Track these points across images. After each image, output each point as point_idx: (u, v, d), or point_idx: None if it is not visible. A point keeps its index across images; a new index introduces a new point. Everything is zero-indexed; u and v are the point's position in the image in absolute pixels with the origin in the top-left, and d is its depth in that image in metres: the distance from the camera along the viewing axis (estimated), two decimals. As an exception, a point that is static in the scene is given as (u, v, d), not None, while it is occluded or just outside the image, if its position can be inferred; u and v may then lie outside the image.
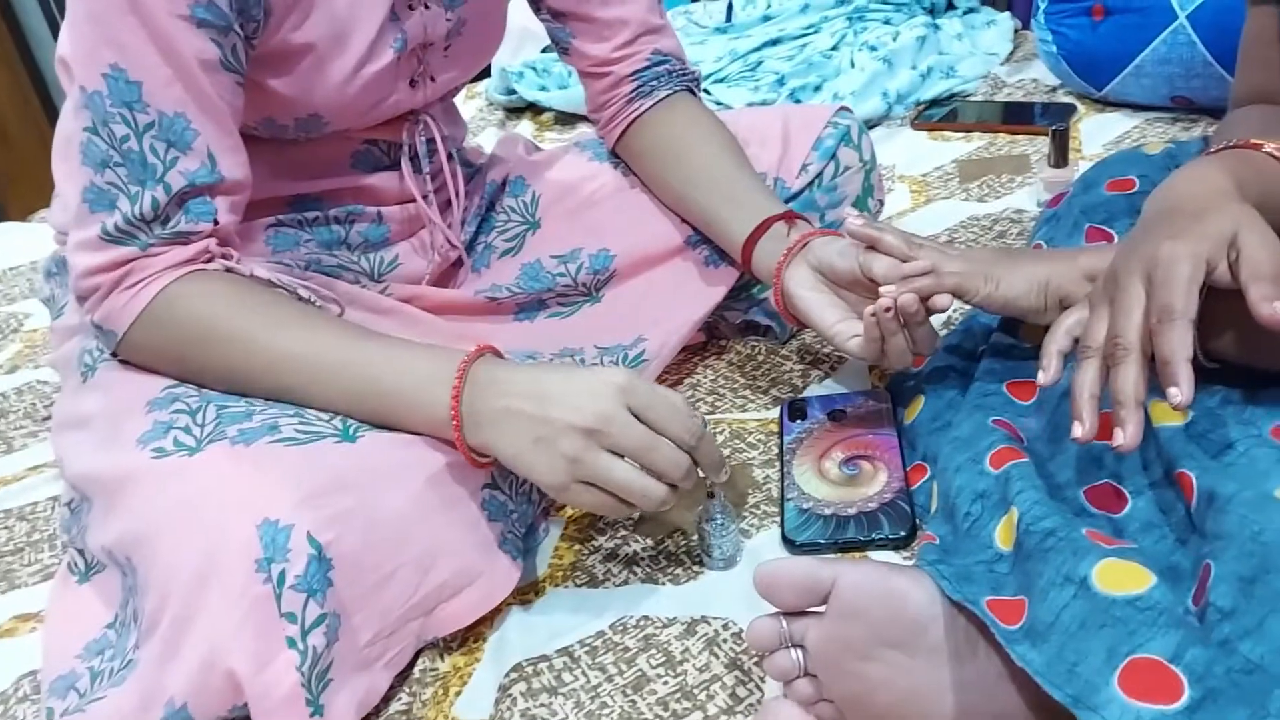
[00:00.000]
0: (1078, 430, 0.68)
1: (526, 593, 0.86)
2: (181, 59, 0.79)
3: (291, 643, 0.69)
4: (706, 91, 1.68)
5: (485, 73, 1.97)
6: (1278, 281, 0.64)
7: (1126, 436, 0.65)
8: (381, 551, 0.74)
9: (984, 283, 0.84)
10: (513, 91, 1.84)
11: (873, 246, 0.88)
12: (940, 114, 1.61)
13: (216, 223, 0.84)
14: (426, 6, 0.94)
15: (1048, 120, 1.52)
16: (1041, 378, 0.74)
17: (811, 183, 1.11)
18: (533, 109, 1.86)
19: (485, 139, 1.80)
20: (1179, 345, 0.64)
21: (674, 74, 1.10)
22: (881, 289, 0.85)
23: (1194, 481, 0.70)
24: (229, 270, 0.85)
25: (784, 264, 0.94)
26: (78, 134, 0.81)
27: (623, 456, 0.75)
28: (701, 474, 0.80)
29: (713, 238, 1.05)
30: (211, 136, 0.82)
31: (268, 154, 0.95)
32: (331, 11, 0.87)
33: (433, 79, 1.00)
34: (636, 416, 0.75)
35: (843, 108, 1.16)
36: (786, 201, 1.08)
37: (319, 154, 1.00)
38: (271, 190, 0.99)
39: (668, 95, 1.10)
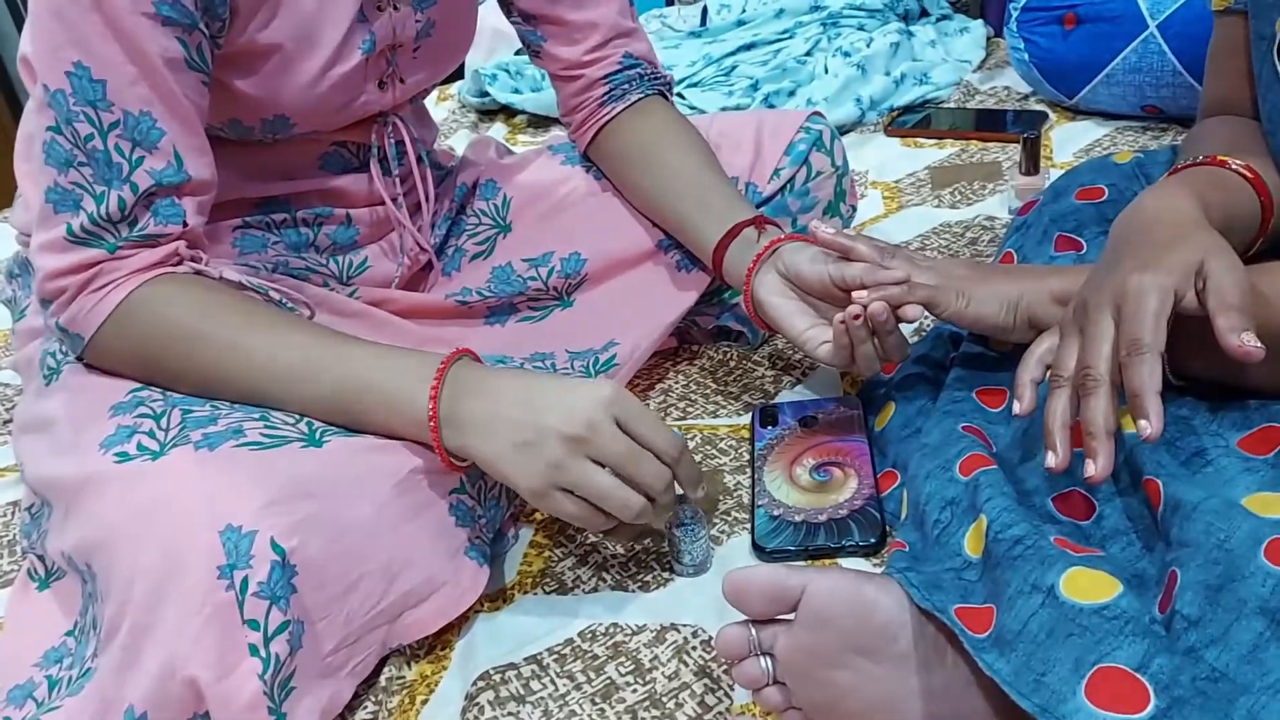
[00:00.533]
0: (1051, 460, 0.69)
1: (495, 600, 0.85)
2: (146, 57, 0.78)
3: (254, 650, 0.68)
4: (680, 96, 1.68)
5: (458, 74, 1.97)
6: (1244, 311, 0.64)
7: (1098, 468, 0.66)
8: (346, 558, 0.74)
9: (955, 298, 0.84)
10: (485, 93, 1.84)
11: (844, 255, 0.88)
12: (913, 120, 1.61)
13: (185, 225, 0.83)
14: (395, 8, 0.93)
15: (1019, 128, 1.52)
16: (1016, 408, 0.75)
17: (784, 187, 1.11)
18: (506, 111, 1.85)
19: (457, 141, 1.79)
20: (1148, 378, 0.64)
21: (646, 78, 1.10)
22: (854, 295, 0.85)
23: (1161, 489, 0.70)
24: (198, 273, 0.84)
25: (753, 270, 0.94)
26: (40, 133, 0.80)
27: (605, 468, 0.75)
28: (679, 490, 0.80)
29: (684, 242, 1.05)
30: (177, 136, 0.81)
31: (235, 155, 0.94)
32: (298, 12, 0.87)
33: (402, 80, 0.99)
34: (622, 429, 0.75)
35: (815, 113, 1.16)
36: (759, 206, 1.08)
37: (286, 156, 0.99)
38: (238, 191, 0.98)
39: (639, 99, 1.09)
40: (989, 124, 1.58)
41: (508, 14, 1.09)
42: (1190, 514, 0.66)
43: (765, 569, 0.69)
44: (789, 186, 1.11)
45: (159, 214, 0.82)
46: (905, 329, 0.89)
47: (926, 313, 0.84)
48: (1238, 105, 0.93)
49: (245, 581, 0.68)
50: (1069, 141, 1.49)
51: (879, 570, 0.82)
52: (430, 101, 1.94)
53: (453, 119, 1.88)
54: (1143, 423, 0.65)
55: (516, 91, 1.80)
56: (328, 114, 0.95)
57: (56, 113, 0.78)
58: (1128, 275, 0.68)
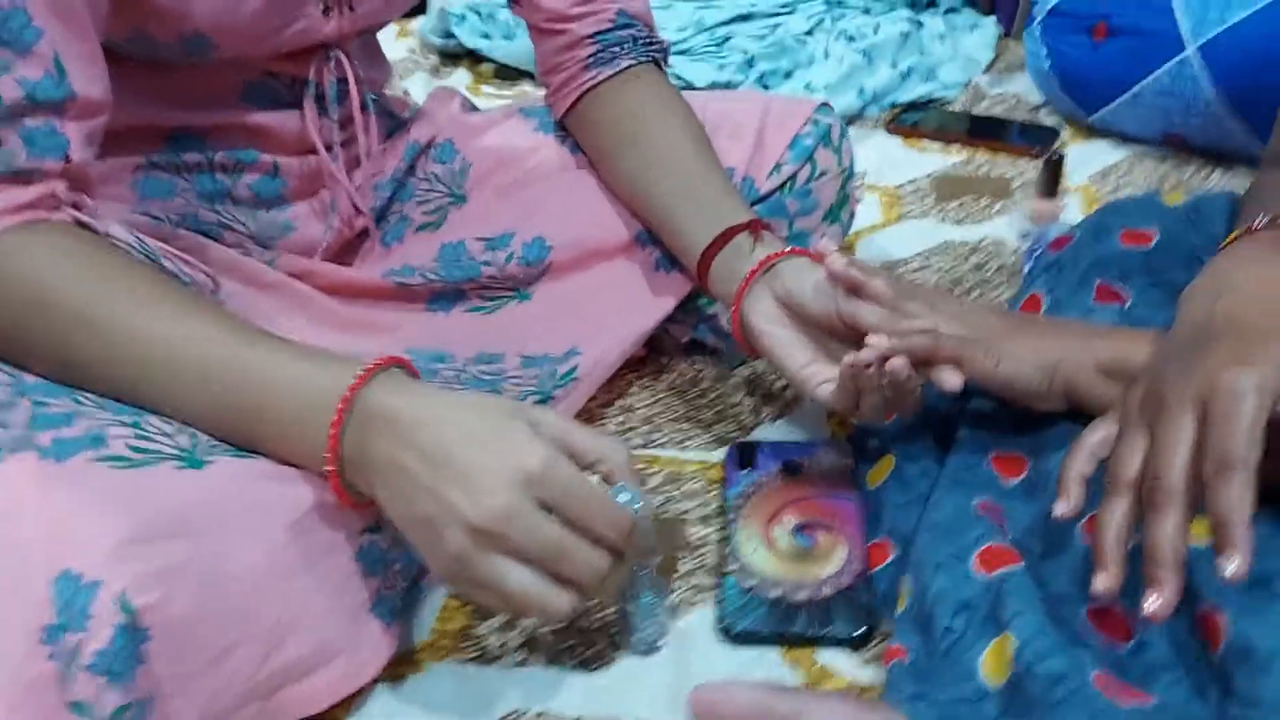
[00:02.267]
0: (1101, 582, 0.56)
1: (400, 666, 0.70)
2: None
3: (77, 742, 0.52)
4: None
5: (421, 9, 1.78)
6: None
7: (1160, 604, 0.53)
8: (221, 620, 0.58)
9: (984, 355, 0.71)
10: (451, 35, 1.66)
11: (856, 290, 0.74)
12: (915, 119, 1.47)
13: (67, 158, 0.66)
14: (349, -87, 0.77)
15: (1026, 141, 1.39)
16: (1060, 508, 0.61)
17: (783, 185, 0.96)
18: (472, 57, 1.68)
19: (414, 86, 1.61)
20: (1239, 502, 0.52)
21: (640, 41, 0.95)
22: (868, 339, 0.71)
23: (1224, 626, 0.57)
24: (80, 224, 0.67)
25: (744, 289, 0.79)
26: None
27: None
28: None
29: (664, 239, 0.90)
30: (58, 38, 0.64)
31: (140, 77, 0.78)
32: None
33: (351, 7, 0.83)
34: (552, 508, 0.59)
35: (824, 104, 1.02)
36: (753, 204, 0.94)
37: (205, 81, 0.82)
38: (143, 118, 0.81)
39: (630, 66, 0.94)
40: (994, 133, 1.44)
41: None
42: (1266, 665, 0.54)
43: (745, 689, 0.55)
44: (789, 185, 0.97)
45: (35, 143, 0.65)
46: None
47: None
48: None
49: (76, 650, 0.52)
50: (1084, 164, 1.36)
51: (864, 664, 0.69)
52: (388, 37, 1.76)
53: (410, 60, 1.70)
54: (1230, 560, 0.52)
55: (486, 37, 1.63)
56: (257, 37, 0.79)
57: None
58: (1221, 369, 0.55)
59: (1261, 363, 0.55)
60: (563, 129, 0.98)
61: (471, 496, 0.58)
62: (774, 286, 0.79)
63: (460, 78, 1.63)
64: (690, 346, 1.00)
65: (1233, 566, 0.52)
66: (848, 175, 1.02)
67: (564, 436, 0.63)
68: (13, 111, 0.63)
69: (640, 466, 0.87)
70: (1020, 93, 1.58)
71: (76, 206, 0.68)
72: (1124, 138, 1.42)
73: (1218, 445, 0.54)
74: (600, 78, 0.93)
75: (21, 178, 0.65)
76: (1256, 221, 0.74)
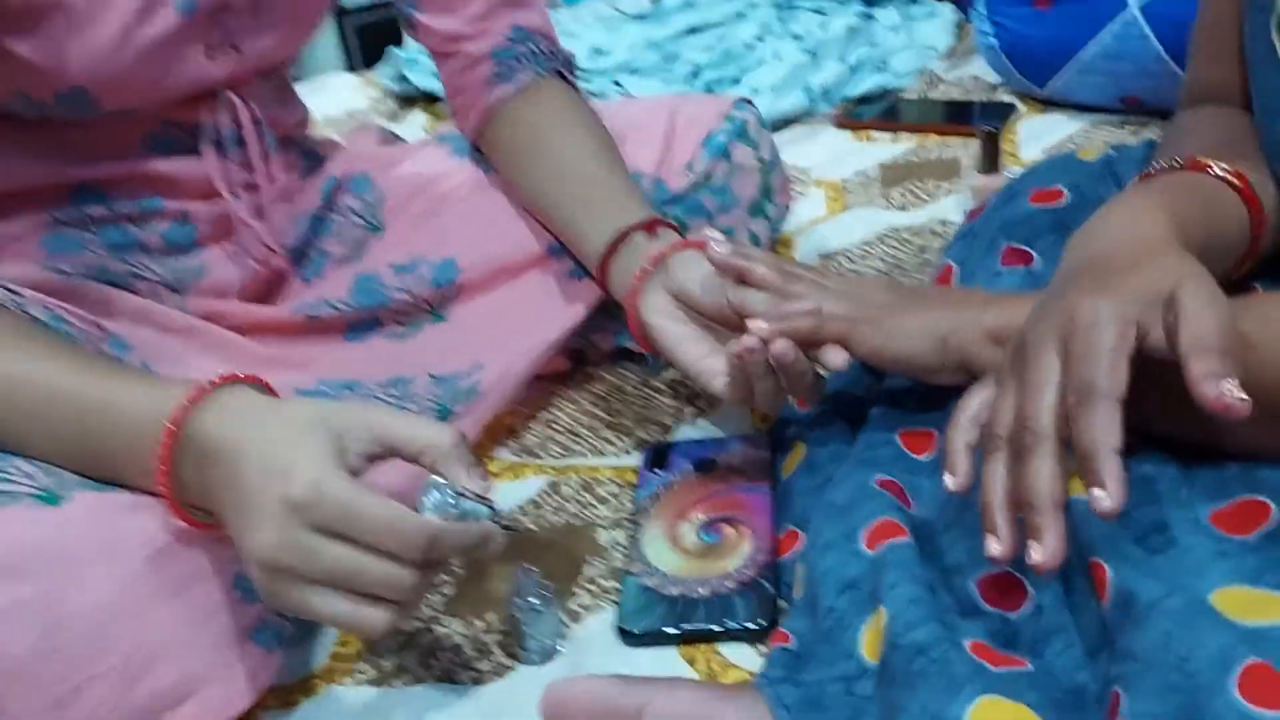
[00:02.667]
0: (993, 547, 0.53)
1: (294, 691, 0.69)
2: None
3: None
4: (617, 83, 1.52)
5: (379, 57, 1.80)
6: (1225, 354, 0.48)
7: (1045, 553, 0.50)
8: (68, 658, 0.57)
9: (872, 332, 0.69)
10: (406, 79, 1.67)
11: (741, 277, 0.73)
12: (870, 113, 1.45)
13: None
14: (218, -42, 0.77)
15: (984, 121, 1.37)
16: (949, 482, 0.58)
17: (698, 183, 0.95)
18: (428, 99, 1.69)
19: (375, 131, 1.62)
20: (1102, 433, 0.49)
21: (539, 55, 0.94)
22: (750, 324, 0.70)
23: (1109, 576, 0.54)
24: None
25: (639, 286, 0.78)
26: None
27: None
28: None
29: (571, 248, 0.90)
30: None
31: (37, 134, 0.79)
32: None
33: (237, 49, 0.83)
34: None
35: (742, 99, 1.01)
36: (666, 204, 0.92)
37: (101, 135, 0.83)
38: (45, 176, 0.82)
39: (532, 80, 0.93)
40: (953, 117, 1.42)
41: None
42: (1144, 616, 0.51)
43: (591, 682, 0.53)
44: (705, 182, 0.96)
45: None
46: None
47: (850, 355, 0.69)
48: (1224, 92, 0.78)
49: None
50: (1037, 136, 1.33)
51: (766, 656, 0.66)
52: (351, 88, 1.78)
53: (372, 107, 1.72)
54: (1097, 492, 0.49)
55: (438, 76, 1.64)
56: (142, 89, 0.79)
57: None
58: (1078, 302, 0.53)
59: (1117, 293, 0.53)
60: (478, 152, 0.98)
61: (250, 534, 0.58)
62: (666, 282, 0.78)
63: (416, 119, 1.64)
64: (617, 354, 0.98)
65: (1105, 500, 0.49)
66: (769, 168, 1.00)
67: (381, 433, 0.62)
68: None
69: (555, 477, 0.85)
70: (978, 74, 1.55)
71: None
72: (1080, 107, 1.39)
73: (1079, 376, 0.51)
74: (502, 95, 0.93)
75: None
76: (1153, 166, 0.71)
